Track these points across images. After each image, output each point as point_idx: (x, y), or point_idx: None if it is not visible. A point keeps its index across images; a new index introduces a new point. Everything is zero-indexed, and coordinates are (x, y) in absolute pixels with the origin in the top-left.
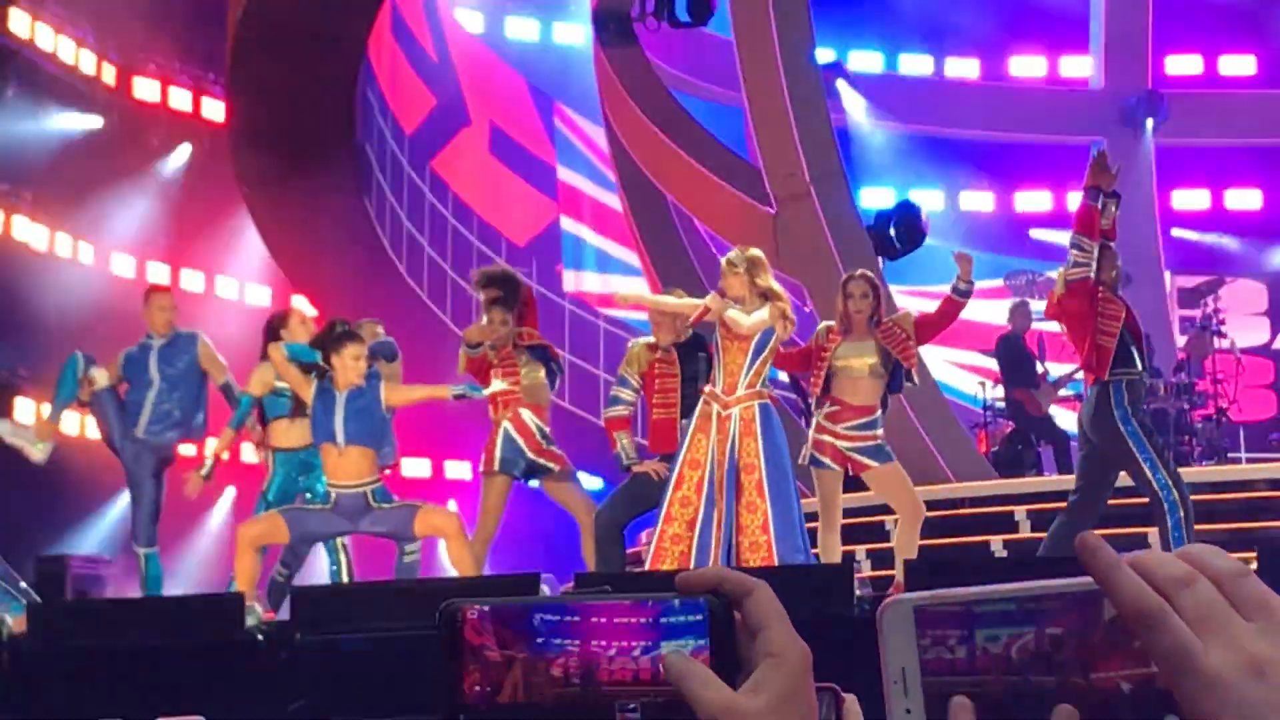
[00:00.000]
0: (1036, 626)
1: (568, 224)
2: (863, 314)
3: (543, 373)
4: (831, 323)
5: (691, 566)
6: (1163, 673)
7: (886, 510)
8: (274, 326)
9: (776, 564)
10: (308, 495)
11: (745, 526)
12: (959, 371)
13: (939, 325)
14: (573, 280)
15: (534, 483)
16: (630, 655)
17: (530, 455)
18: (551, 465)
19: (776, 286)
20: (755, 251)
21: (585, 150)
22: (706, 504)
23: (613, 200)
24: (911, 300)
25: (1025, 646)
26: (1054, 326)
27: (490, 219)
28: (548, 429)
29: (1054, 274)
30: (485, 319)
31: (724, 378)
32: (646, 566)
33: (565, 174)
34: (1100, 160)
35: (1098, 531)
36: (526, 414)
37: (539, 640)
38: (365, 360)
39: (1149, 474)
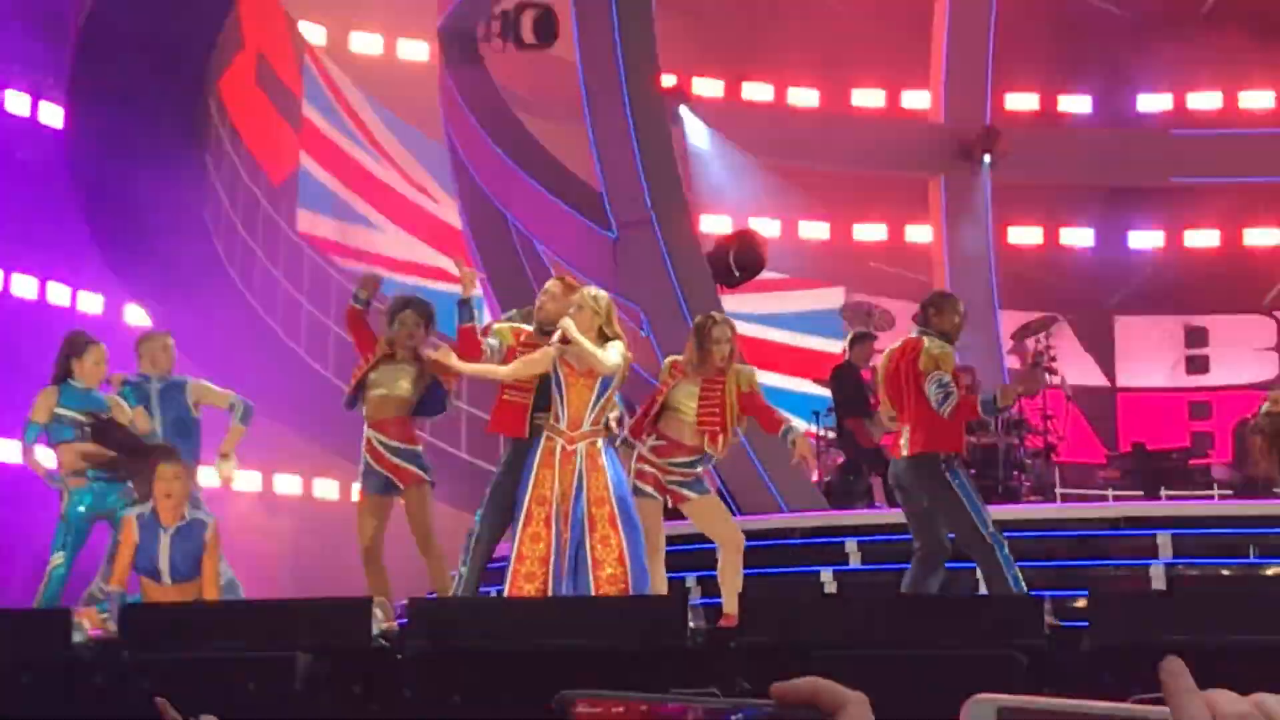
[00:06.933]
0: None
1: (307, 162)
2: (717, 360)
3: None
4: (678, 358)
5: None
6: None
7: None
8: (67, 356)
9: (632, 594)
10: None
11: (602, 560)
12: (792, 399)
13: (770, 419)
14: (308, 222)
15: None
16: None
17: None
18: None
19: (620, 331)
20: (607, 296)
21: (332, 97)
22: (556, 539)
23: (358, 154)
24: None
25: None
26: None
27: (256, 152)
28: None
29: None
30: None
31: (568, 413)
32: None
33: (310, 112)
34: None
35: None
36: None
37: None
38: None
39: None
